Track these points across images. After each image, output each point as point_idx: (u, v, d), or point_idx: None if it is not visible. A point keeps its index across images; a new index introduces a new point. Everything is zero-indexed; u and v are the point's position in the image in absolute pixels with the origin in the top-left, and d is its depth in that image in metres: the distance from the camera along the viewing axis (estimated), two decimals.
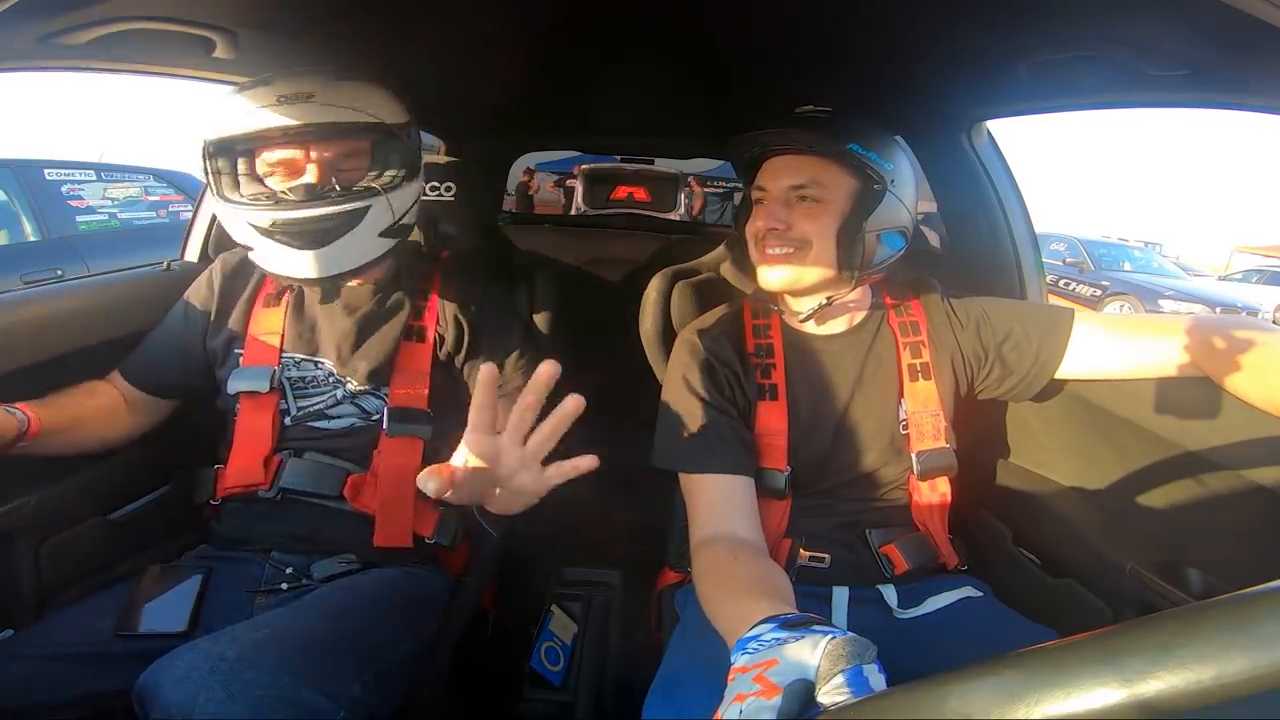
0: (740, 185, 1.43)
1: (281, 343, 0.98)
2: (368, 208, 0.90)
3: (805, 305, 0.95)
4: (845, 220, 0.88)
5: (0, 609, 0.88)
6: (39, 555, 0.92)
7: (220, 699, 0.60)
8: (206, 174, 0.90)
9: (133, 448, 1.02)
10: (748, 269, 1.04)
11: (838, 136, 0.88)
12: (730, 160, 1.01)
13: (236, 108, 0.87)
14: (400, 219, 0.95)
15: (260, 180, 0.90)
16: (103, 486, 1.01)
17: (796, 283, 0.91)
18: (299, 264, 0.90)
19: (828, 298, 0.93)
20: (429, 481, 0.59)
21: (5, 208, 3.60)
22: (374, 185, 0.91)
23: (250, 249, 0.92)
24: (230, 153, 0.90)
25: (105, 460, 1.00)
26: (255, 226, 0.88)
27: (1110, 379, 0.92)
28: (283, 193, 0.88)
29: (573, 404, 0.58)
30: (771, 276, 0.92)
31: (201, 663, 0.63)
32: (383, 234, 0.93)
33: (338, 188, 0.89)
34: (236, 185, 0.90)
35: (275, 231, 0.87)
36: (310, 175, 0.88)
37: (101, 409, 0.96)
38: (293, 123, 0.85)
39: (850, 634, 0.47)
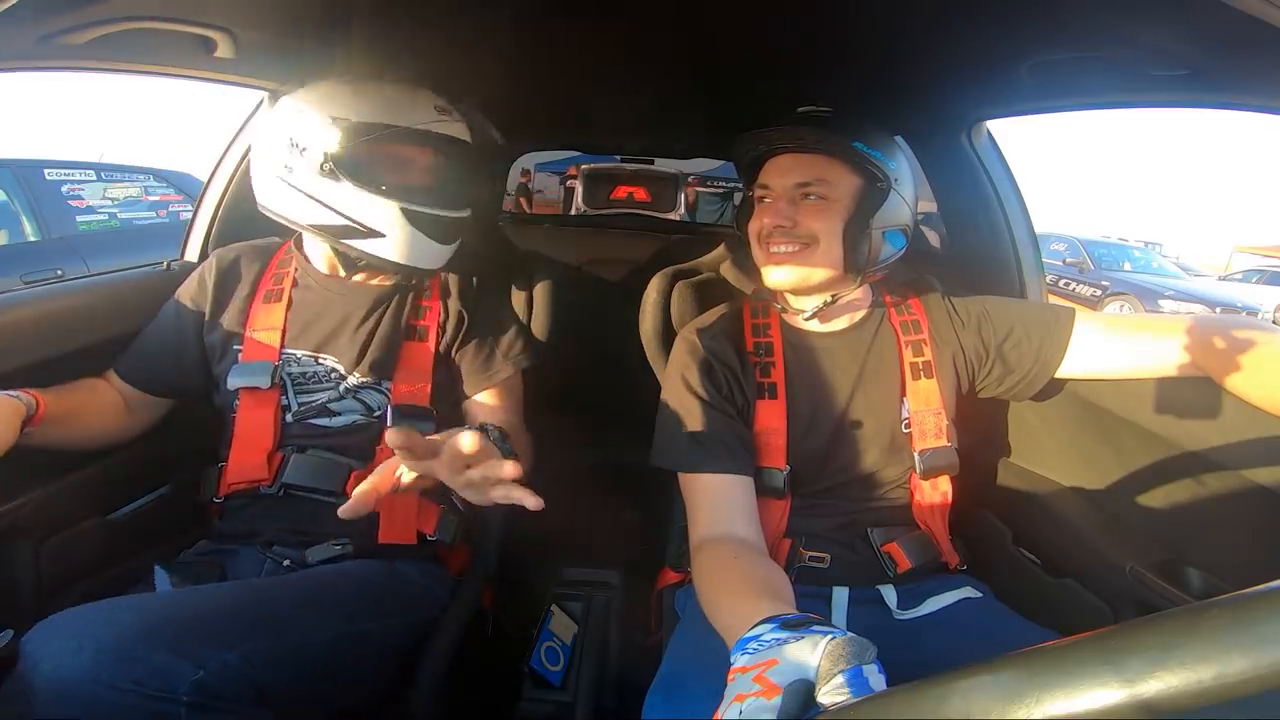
0: (740, 185, 1.43)
1: (283, 339, 0.98)
2: (468, 217, 1.03)
3: (809, 304, 0.95)
4: (851, 217, 0.89)
5: (0, 609, 0.88)
6: (39, 555, 0.92)
7: (69, 650, 0.61)
8: (324, 156, 0.91)
9: (132, 447, 1.02)
10: (748, 269, 1.04)
11: (842, 134, 0.88)
12: (733, 159, 1.01)
13: (388, 101, 0.94)
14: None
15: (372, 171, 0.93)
16: (103, 486, 1.01)
17: (803, 281, 0.91)
18: (435, 255, 1.00)
19: (832, 296, 0.93)
20: (350, 504, 0.66)
21: (5, 208, 3.59)
22: (471, 199, 1.03)
23: (380, 235, 0.94)
24: (360, 139, 0.91)
25: (105, 460, 0.99)
26: (409, 214, 0.94)
27: (1110, 379, 0.92)
28: (421, 190, 0.96)
29: (531, 502, 0.60)
30: (778, 275, 0.92)
31: (71, 621, 0.64)
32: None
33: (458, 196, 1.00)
34: (354, 173, 0.92)
35: (423, 224, 0.95)
36: (432, 179, 0.98)
37: (102, 404, 0.97)
38: (444, 133, 0.96)
39: (850, 634, 0.47)
